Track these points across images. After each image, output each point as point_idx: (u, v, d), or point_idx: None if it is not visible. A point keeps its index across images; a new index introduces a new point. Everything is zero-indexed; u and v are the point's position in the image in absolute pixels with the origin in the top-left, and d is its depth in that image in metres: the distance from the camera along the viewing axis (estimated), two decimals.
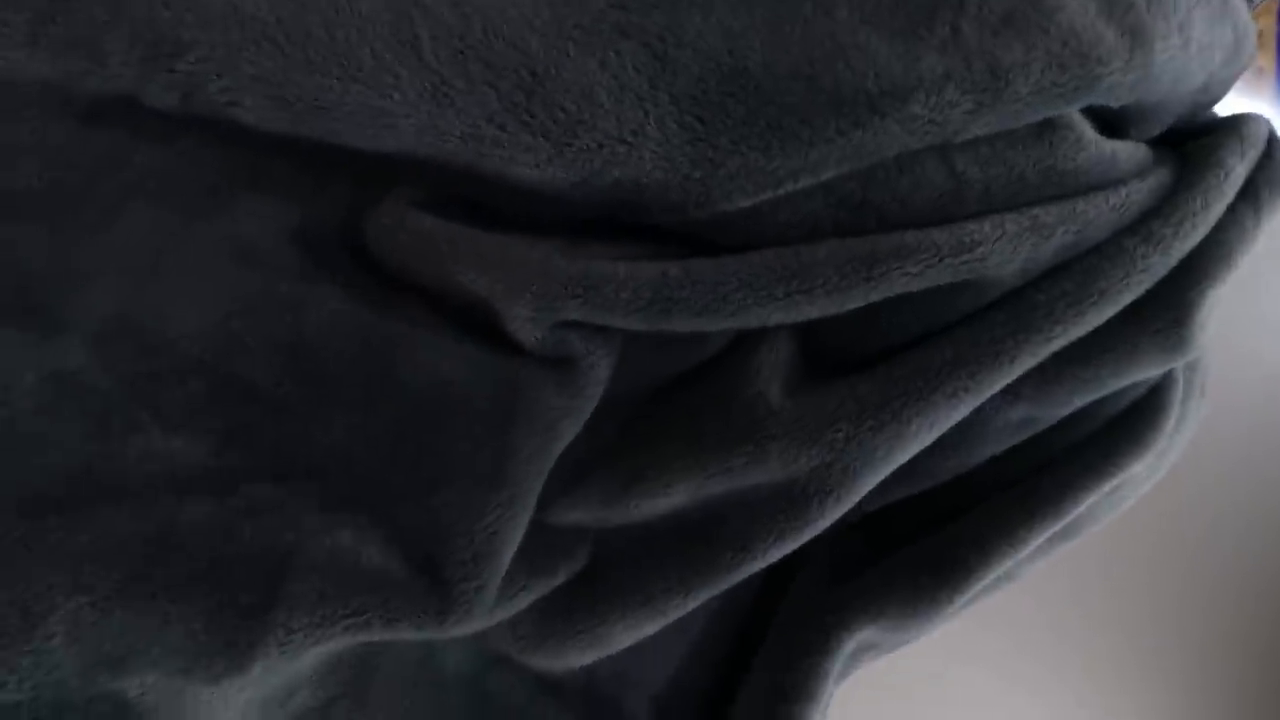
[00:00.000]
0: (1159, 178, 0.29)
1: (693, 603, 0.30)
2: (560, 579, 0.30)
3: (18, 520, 0.23)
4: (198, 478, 0.26)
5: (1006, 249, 0.26)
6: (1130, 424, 0.33)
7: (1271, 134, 0.32)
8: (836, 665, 0.32)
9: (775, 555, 0.29)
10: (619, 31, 0.24)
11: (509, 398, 0.26)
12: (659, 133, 0.24)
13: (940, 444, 0.31)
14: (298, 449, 0.27)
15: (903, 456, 0.28)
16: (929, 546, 0.33)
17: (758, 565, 0.29)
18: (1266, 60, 0.54)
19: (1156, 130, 0.31)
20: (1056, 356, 0.29)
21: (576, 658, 0.31)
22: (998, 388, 0.27)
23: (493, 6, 0.24)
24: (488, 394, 0.26)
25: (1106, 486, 0.32)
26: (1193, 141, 0.31)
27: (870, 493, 0.30)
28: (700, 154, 0.24)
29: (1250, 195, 0.30)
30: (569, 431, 0.27)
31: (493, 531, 0.26)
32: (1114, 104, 0.27)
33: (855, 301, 0.25)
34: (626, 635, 0.30)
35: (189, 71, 0.23)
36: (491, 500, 0.26)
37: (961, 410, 0.27)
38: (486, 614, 0.27)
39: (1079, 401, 0.30)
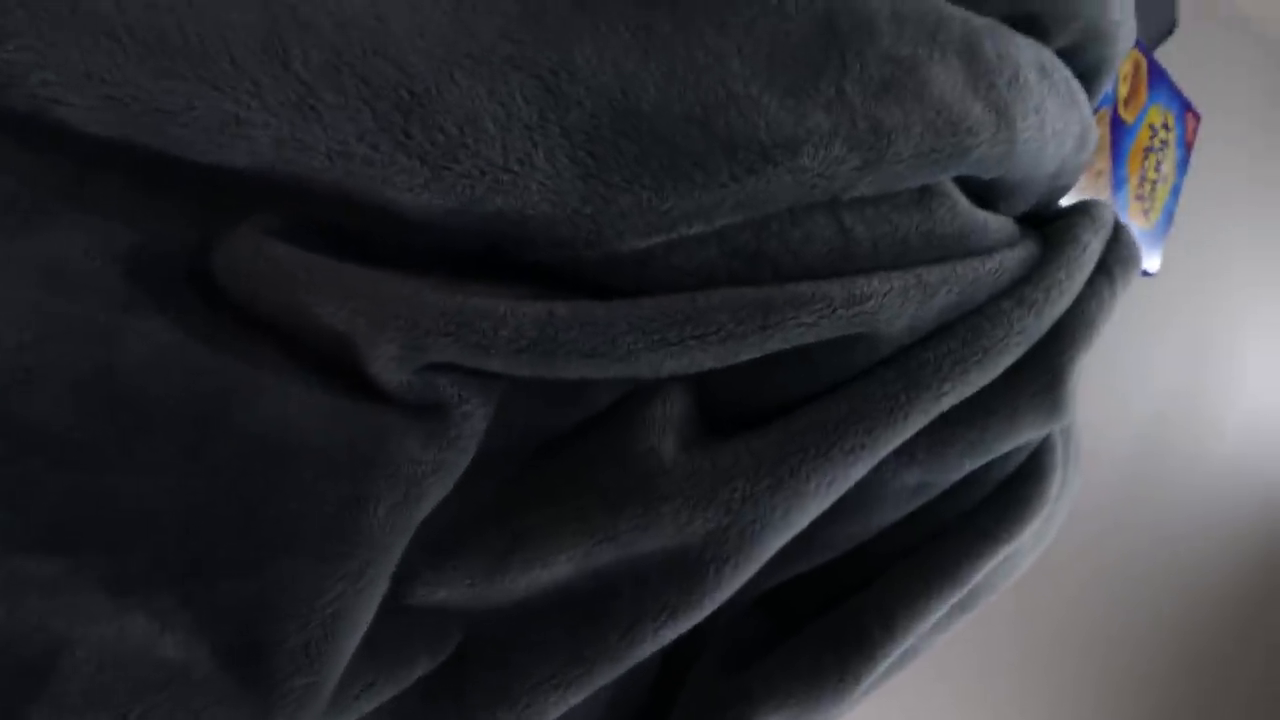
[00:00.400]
0: (1027, 249, 0.30)
1: (574, 698, 0.26)
2: (420, 671, 0.25)
3: None
4: None
5: (895, 303, 0.26)
6: (1017, 489, 0.33)
7: (1116, 218, 0.35)
8: None
9: (668, 635, 0.26)
10: (510, 63, 0.23)
11: (366, 449, 0.23)
12: (548, 164, 0.22)
13: (837, 511, 0.30)
14: (87, 511, 0.22)
15: (801, 519, 0.26)
16: (830, 622, 0.31)
17: (648, 648, 0.26)
18: (1103, 162, 0.61)
19: (1021, 208, 0.33)
20: (946, 419, 0.29)
21: None
22: (893, 445, 0.27)
23: (379, 29, 0.22)
24: (341, 445, 0.23)
25: (1001, 553, 0.32)
26: (1049, 224, 0.34)
27: (767, 567, 0.28)
28: (591, 190, 0.23)
29: (1105, 270, 0.32)
30: (435, 491, 0.23)
31: (333, 612, 0.22)
32: (984, 175, 0.29)
33: (750, 351, 0.24)
34: None
35: (6, 60, 0.20)
36: (336, 571, 0.22)
37: (859, 468, 0.26)
38: (319, 716, 0.22)
39: (969, 465, 0.30)
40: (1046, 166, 0.32)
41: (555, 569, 0.25)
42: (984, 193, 0.31)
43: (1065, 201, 0.37)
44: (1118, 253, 0.33)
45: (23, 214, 0.23)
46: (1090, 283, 0.32)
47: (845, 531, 0.31)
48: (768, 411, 0.27)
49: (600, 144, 0.23)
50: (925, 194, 0.28)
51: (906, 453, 0.30)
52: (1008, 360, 0.28)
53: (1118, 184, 0.63)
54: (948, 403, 0.27)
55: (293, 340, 0.24)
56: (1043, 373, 0.29)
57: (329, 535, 0.22)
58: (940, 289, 0.27)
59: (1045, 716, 0.95)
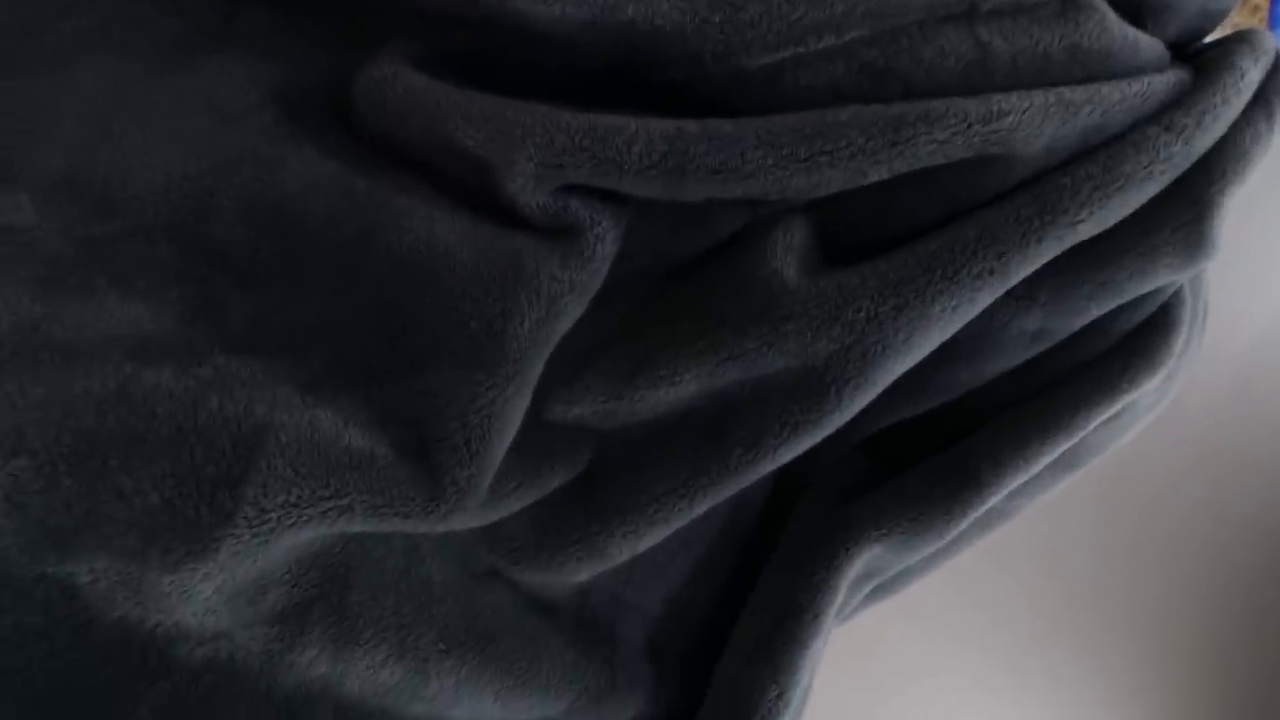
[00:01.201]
0: (1177, 74, 0.28)
1: (698, 508, 0.28)
2: (557, 482, 0.27)
3: None
4: (159, 347, 0.23)
5: (1034, 121, 0.25)
6: (1143, 339, 0.32)
7: (1278, 48, 0.32)
8: (843, 584, 0.31)
9: (787, 453, 0.27)
10: None
11: (507, 269, 0.24)
12: None
13: (953, 354, 0.30)
14: (273, 322, 0.24)
15: (924, 345, 0.26)
16: (939, 462, 0.32)
17: (768, 464, 0.27)
18: None
19: (1172, 32, 0.31)
20: (1076, 259, 0.28)
21: (572, 571, 0.28)
22: (1023, 273, 0.26)
23: None
24: (483, 265, 0.24)
25: (1119, 403, 0.32)
26: (1202, 55, 0.31)
27: (877, 406, 0.28)
28: None
29: (1263, 101, 0.30)
30: (573, 309, 0.25)
31: (487, 415, 0.24)
32: None
33: (879, 170, 0.24)
34: (626, 545, 0.28)
35: None
36: (487, 379, 0.24)
37: (986, 294, 0.26)
38: (478, 506, 0.25)
39: (1095, 309, 0.30)
40: None
41: (680, 388, 0.26)
42: (1134, 11, 0.29)
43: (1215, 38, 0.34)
44: (1279, 84, 0.31)
45: (188, 52, 0.25)
46: (1246, 113, 0.29)
47: (958, 376, 0.31)
48: (892, 240, 0.27)
49: None
50: (1070, 5, 0.26)
51: (1028, 295, 0.29)
52: (1151, 189, 0.27)
53: (1275, 20, 0.56)
54: (1084, 231, 0.26)
55: (433, 168, 0.25)
56: (1189, 205, 0.28)
57: (480, 346, 0.24)
58: (1083, 108, 0.25)
59: (1122, 610, 0.94)
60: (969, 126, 0.24)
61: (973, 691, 0.87)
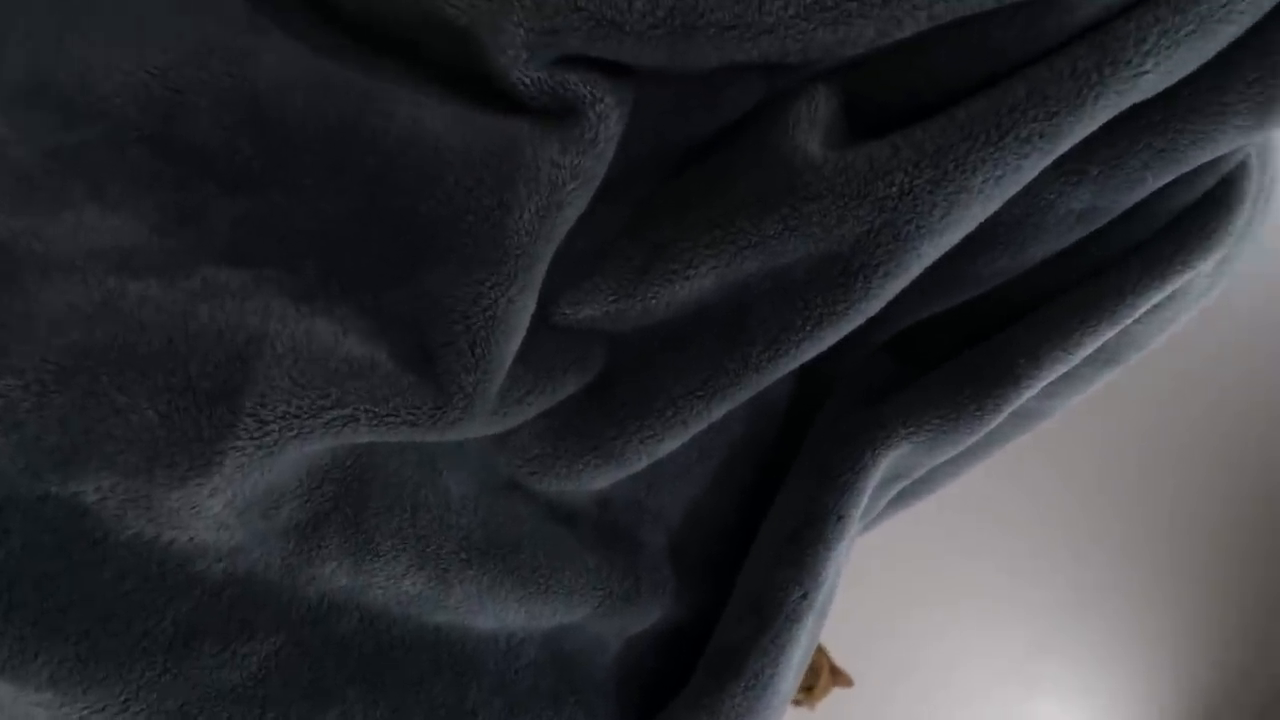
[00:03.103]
0: None
1: (717, 410, 0.26)
2: (570, 389, 0.26)
3: None
4: (144, 258, 0.22)
5: None
6: (1200, 217, 0.29)
7: None
8: (869, 486, 0.30)
9: (811, 349, 0.26)
10: None
11: (503, 157, 0.22)
12: None
13: (991, 239, 0.28)
14: (260, 228, 0.23)
15: (961, 224, 0.24)
16: (972, 357, 0.30)
17: (790, 362, 0.26)
18: None
19: None
20: (1132, 122, 0.25)
21: (590, 479, 0.28)
22: (1076, 138, 0.24)
23: None
24: (476, 154, 0.22)
25: (1169, 287, 0.29)
26: None
27: (905, 300, 0.26)
28: None
29: None
30: (576, 199, 0.23)
31: (491, 315, 0.23)
32: None
33: (917, 19, 0.21)
34: (644, 451, 0.27)
35: None
36: (488, 278, 0.22)
37: (1033, 162, 0.23)
38: (488, 414, 0.24)
39: (1153, 181, 0.27)
40: None
41: (696, 281, 0.25)
42: None
43: None
44: None
45: None
46: None
47: (997, 263, 0.29)
48: (928, 111, 0.24)
49: None
50: None
51: (1078, 168, 0.26)
52: (1228, 33, 0.24)
53: None
54: (1148, 86, 0.23)
55: (416, 49, 0.23)
56: (1266, 53, 0.24)
57: (478, 242, 0.22)
58: None
59: (1164, 519, 0.93)
60: None
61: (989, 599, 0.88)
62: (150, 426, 0.20)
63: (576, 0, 0.20)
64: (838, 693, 0.59)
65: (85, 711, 0.21)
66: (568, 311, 0.25)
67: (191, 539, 0.22)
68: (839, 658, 0.59)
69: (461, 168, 0.22)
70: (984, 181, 0.23)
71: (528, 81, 0.22)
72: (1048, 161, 0.24)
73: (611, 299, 0.25)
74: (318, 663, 0.24)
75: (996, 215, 0.26)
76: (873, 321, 0.27)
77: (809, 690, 0.56)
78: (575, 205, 0.23)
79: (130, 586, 0.21)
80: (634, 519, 0.30)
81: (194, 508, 0.21)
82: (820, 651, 0.58)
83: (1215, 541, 0.93)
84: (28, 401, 0.19)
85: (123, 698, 0.21)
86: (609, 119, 0.23)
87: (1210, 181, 0.29)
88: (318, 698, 0.24)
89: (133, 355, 0.20)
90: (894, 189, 0.23)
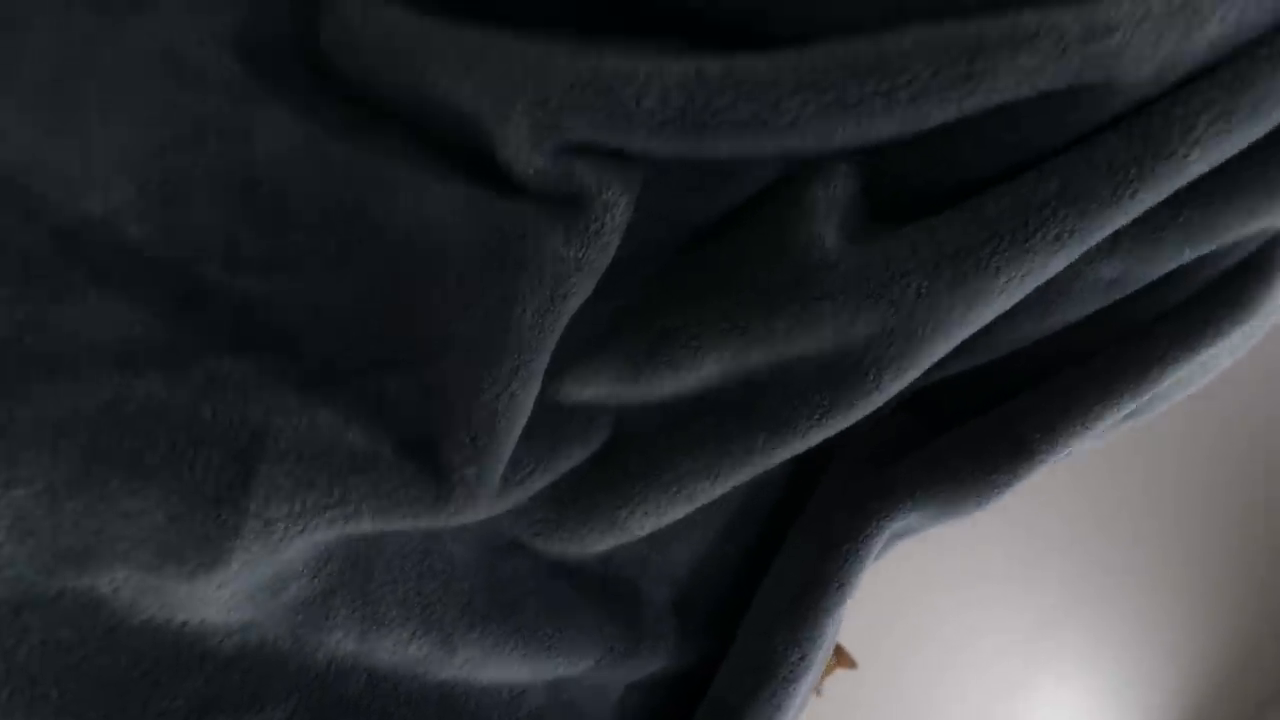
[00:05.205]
0: None
1: (720, 489, 0.26)
2: (574, 462, 0.26)
3: None
4: (146, 350, 0.22)
5: (1148, 38, 0.19)
6: (1234, 286, 0.28)
7: None
8: (872, 555, 0.30)
9: (817, 438, 0.25)
10: None
11: (507, 247, 0.22)
12: None
13: (1014, 307, 0.27)
14: (263, 314, 0.23)
15: (980, 320, 0.23)
16: (985, 425, 0.29)
17: (795, 449, 0.25)
18: None
19: None
20: (1171, 198, 0.24)
21: (594, 544, 0.28)
22: (1108, 230, 0.22)
23: None
24: (482, 243, 0.22)
25: (1199, 358, 0.28)
26: None
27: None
28: None
29: None
30: (581, 289, 0.22)
31: (493, 409, 0.22)
32: None
33: (946, 110, 0.20)
34: (648, 522, 0.27)
35: None
36: (492, 373, 0.22)
37: (1061, 260, 0.22)
38: (490, 501, 0.24)
39: (1190, 254, 0.25)
40: None
41: (702, 371, 0.24)
42: None
43: None
44: None
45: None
46: None
47: (1018, 331, 0.28)
48: (954, 195, 0.23)
49: None
50: None
51: (1110, 241, 0.25)
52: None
53: None
54: (1194, 172, 0.22)
55: (420, 127, 0.22)
56: None
57: (480, 335, 0.22)
58: (1212, 16, 0.20)
59: (1168, 501, 0.93)
60: (1064, 49, 0.19)
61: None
62: (160, 528, 0.20)
63: (580, 97, 0.19)
64: (841, 674, 0.61)
65: None
66: (572, 391, 0.25)
67: (203, 620, 0.23)
68: (843, 639, 0.60)
69: (463, 259, 0.22)
70: (1007, 281, 0.22)
71: (532, 170, 0.21)
72: (1078, 255, 0.23)
73: (616, 382, 0.25)
74: None
75: None
76: None
77: None
78: (580, 294, 0.23)
79: (146, 668, 0.22)
80: (637, 572, 0.31)
81: (203, 598, 0.22)
82: None
83: (1218, 523, 0.92)
84: (40, 510, 0.20)
85: None
86: (616, 208, 0.22)
87: (1246, 251, 0.28)
88: None
89: (139, 462, 0.20)
90: (910, 291, 0.22)
